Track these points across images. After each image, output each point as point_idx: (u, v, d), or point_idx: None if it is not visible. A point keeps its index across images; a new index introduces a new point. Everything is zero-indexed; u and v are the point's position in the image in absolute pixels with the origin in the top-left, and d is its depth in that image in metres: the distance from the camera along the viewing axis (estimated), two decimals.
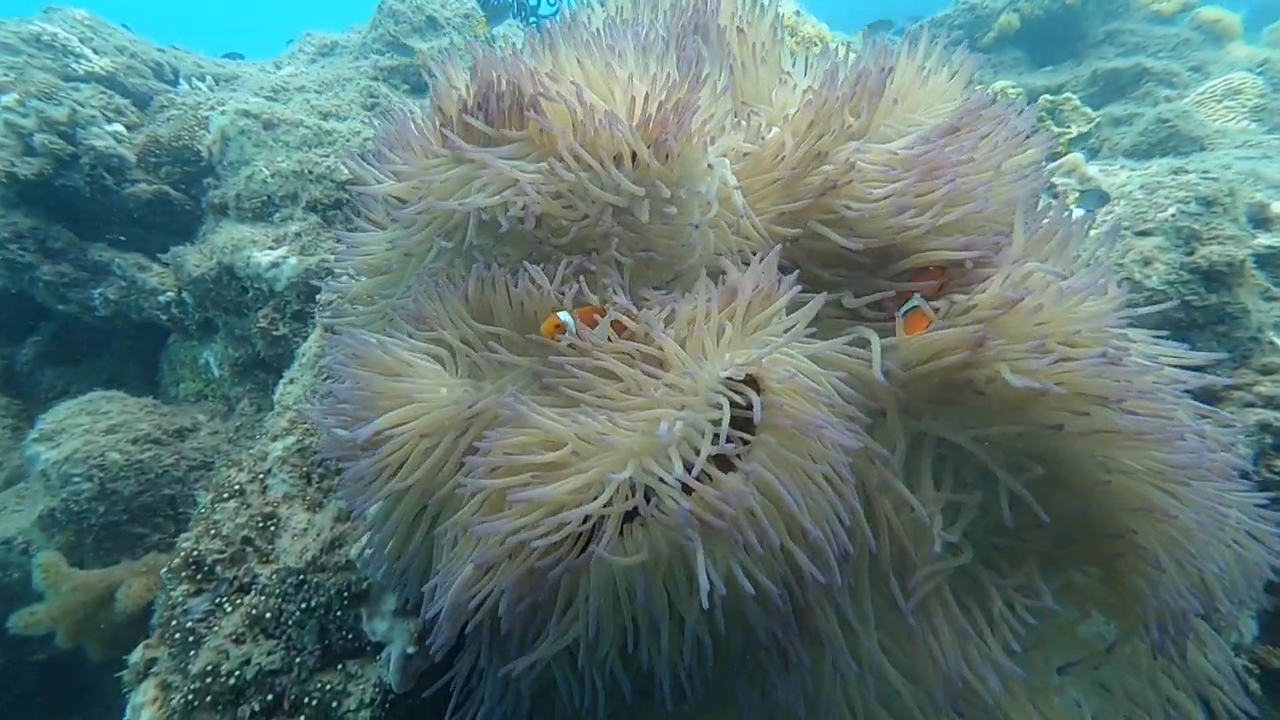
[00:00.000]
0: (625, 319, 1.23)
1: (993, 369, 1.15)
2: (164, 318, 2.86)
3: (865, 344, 1.30)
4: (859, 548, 1.22)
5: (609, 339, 1.21)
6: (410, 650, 1.48)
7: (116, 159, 2.72)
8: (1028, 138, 1.39)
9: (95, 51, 3.55)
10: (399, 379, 1.32)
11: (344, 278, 1.71)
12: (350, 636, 1.54)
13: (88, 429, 2.42)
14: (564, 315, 1.22)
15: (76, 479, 2.32)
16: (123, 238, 3.01)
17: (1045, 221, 1.33)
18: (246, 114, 2.95)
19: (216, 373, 2.93)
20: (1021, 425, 1.18)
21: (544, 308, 1.30)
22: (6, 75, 3.17)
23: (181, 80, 3.86)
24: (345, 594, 1.55)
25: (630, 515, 1.13)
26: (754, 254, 1.37)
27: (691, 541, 1.03)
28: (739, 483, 1.05)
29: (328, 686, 1.49)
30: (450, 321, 1.35)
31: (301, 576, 1.57)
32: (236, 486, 1.77)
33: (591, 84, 1.33)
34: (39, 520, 2.31)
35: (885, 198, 1.28)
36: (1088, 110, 4.66)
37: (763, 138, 1.47)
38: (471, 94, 1.35)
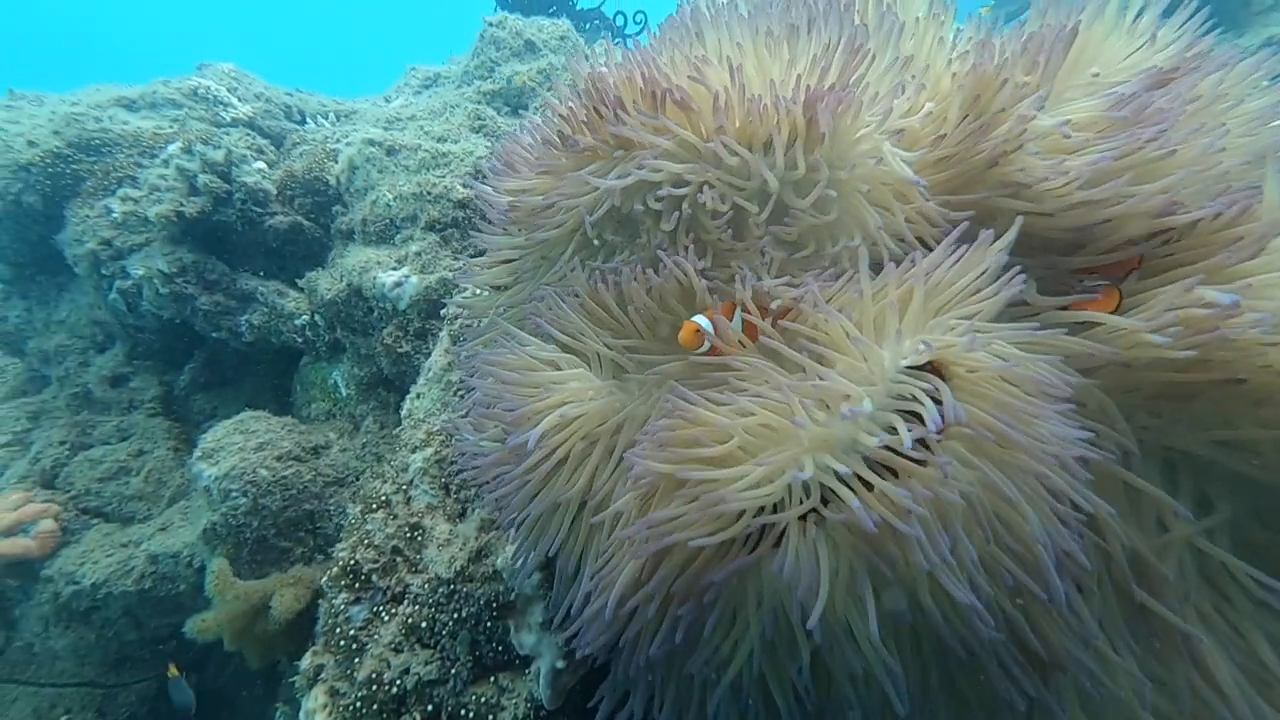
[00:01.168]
0: (779, 300, 1.14)
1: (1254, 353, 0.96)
2: (299, 340, 3.09)
3: (1065, 331, 1.14)
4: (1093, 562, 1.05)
5: (751, 335, 1.12)
6: (559, 665, 1.46)
7: (263, 193, 2.99)
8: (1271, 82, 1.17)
9: (239, 99, 3.95)
10: (546, 385, 1.31)
11: (469, 291, 1.75)
12: (499, 649, 1.54)
13: (241, 447, 2.64)
14: (700, 319, 1.12)
15: (234, 494, 2.52)
16: (262, 270, 3.30)
17: None
18: (371, 143, 3.16)
19: (344, 392, 3.13)
20: None
21: (688, 300, 1.25)
22: (171, 126, 3.60)
23: (308, 119, 4.22)
24: (493, 605, 1.56)
25: (805, 517, 1.05)
26: (923, 242, 1.26)
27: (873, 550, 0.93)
28: (935, 478, 0.94)
29: (482, 699, 1.50)
30: (586, 325, 1.33)
31: (452, 587, 1.60)
32: (383, 498, 1.84)
33: (741, 67, 1.28)
34: (204, 534, 2.52)
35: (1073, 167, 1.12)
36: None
37: (925, 111, 1.37)
38: (598, 94, 1.32)
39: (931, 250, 1.11)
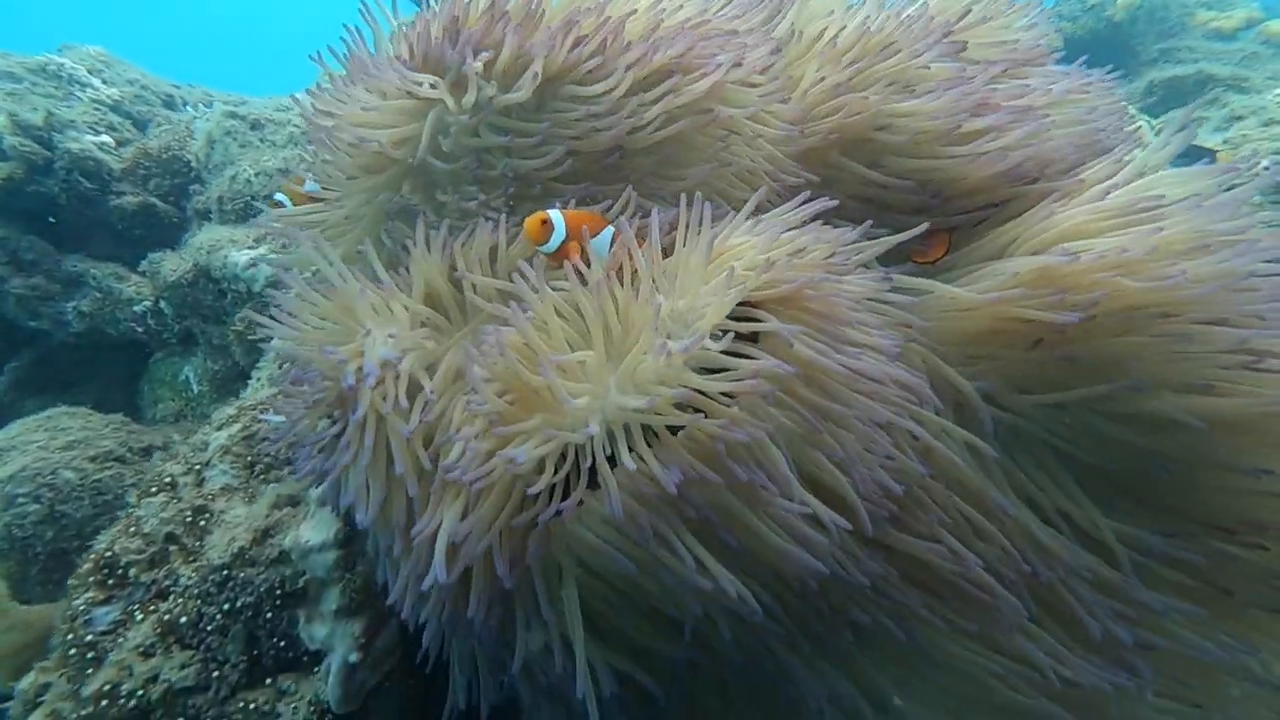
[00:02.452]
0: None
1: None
2: (140, 330, 2.75)
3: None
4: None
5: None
6: (353, 658, 1.20)
7: (94, 162, 2.69)
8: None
9: (104, 82, 3.64)
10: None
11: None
12: (283, 645, 1.26)
13: (42, 445, 2.27)
14: (553, 212, 1.06)
15: (22, 499, 2.14)
16: (108, 255, 2.96)
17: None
18: (233, 115, 2.92)
19: (196, 389, 2.79)
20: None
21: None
22: (6, 101, 3.26)
23: (187, 107, 3.93)
24: (278, 592, 1.28)
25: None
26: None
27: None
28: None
29: (252, 707, 1.21)
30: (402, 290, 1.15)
31: (226, 573, 1.31)
32: (168, 480, 1.55)
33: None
34: None
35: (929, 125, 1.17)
36: (1146, 118, 4.40)
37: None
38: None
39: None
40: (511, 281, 1.03)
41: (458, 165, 1.20)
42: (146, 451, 2.49)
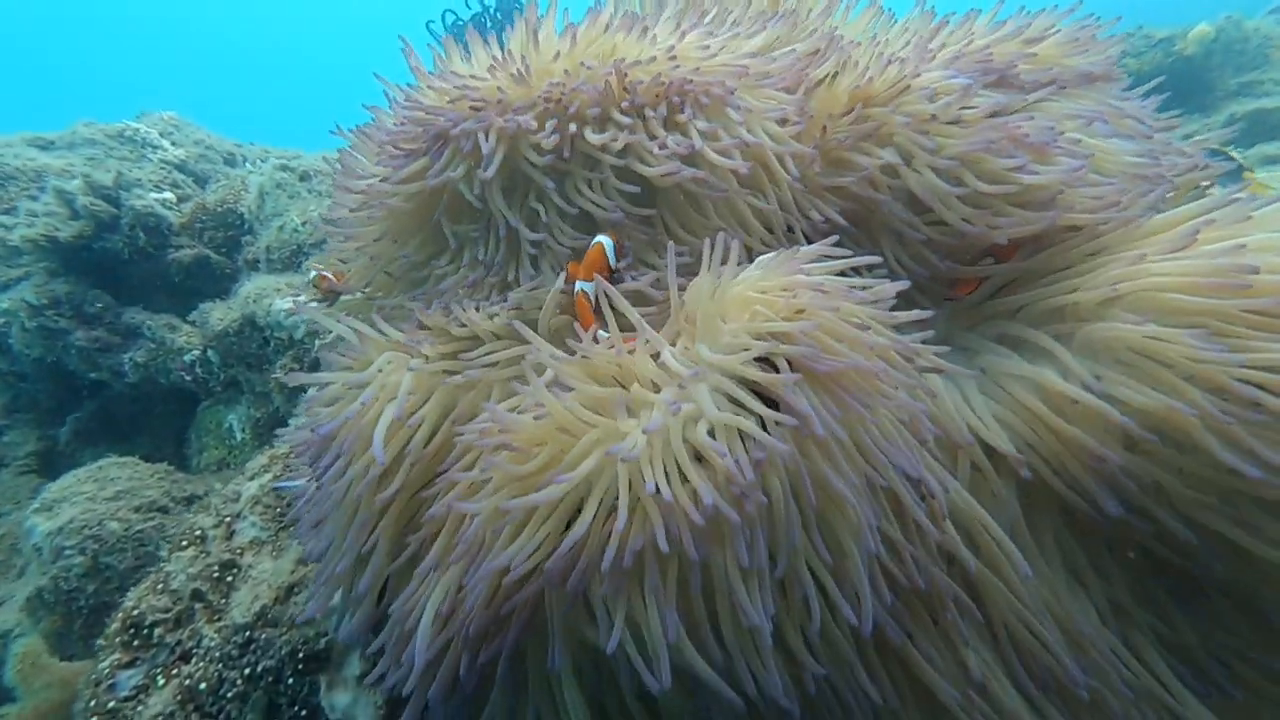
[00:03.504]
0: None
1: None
2: (189, 379, 2.82)
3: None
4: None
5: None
6: None
7: (154, 218, 2.81)
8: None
9: (173, 144, 3.88)
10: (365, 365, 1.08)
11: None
12: (304, 714, 1.19)
13: (90, 496, 2.31)
14: (604, 238, 1.07)
15: (69, 552, 2.17)
16: (166, 307, 3.08)
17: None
18: (284, 168, 3.03)
19: (239, 436, 2.82)
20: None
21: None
22: (86, 164, 3.49)
23: (246, 163, 4.14)
24: (300, 655, 1.21)
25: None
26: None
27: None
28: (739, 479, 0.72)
29: None
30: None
31: (249, 634, 1.25)
32: (199, 532, 1.52)
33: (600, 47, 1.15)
34: (27, 603, 2.15)
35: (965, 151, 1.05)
36: (1230, 151, 4.17)
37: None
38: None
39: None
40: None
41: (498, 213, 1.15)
42: (189, 501, 2.51)
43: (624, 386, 0.89)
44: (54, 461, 3.29)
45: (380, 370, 1.08)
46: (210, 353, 2.80)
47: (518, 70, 1.12)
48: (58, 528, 2.20)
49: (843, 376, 0.84)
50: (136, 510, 2.34)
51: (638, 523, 0.78)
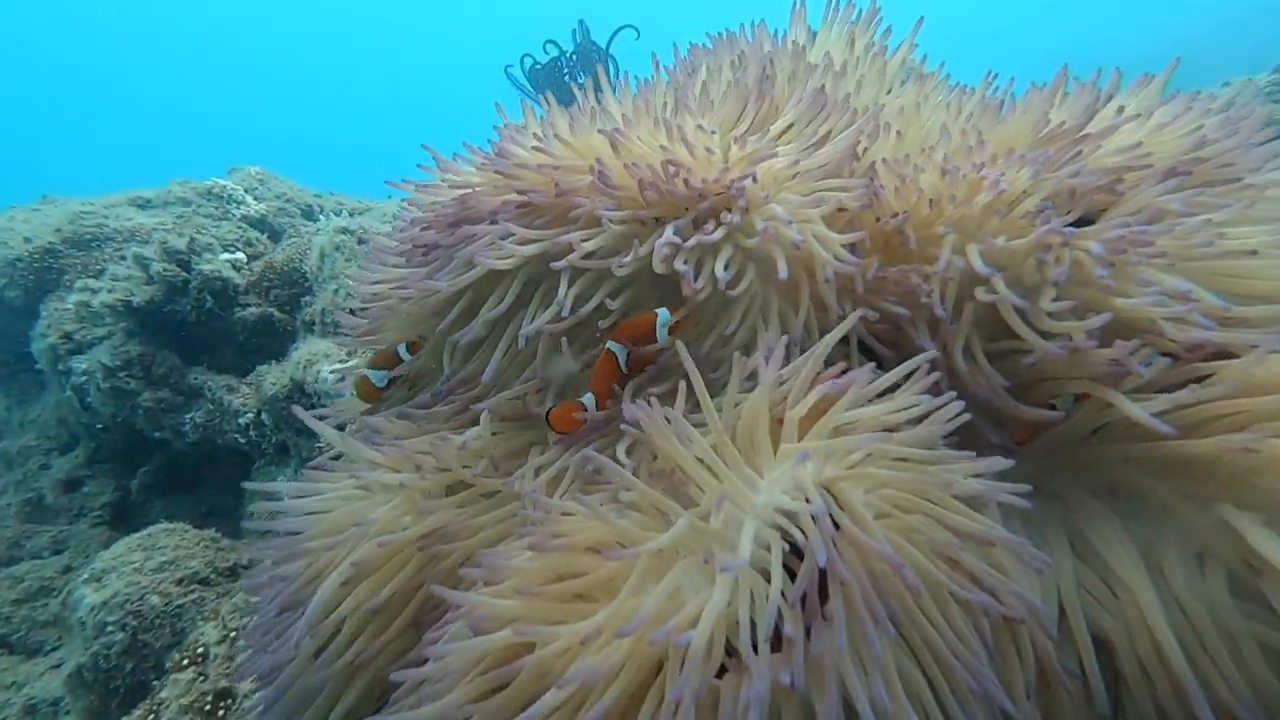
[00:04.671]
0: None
1: None
2: (243, 441, 2.83)
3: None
4: None
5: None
6: None
7: (221, 281, 2.87)
8: None
9: (255, 199, 4.06)
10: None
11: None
12: None
13: (137, 568, 2.30)
14: (588, 399, 0.97)
15: (110, 628, 2.16)
16: (231, 365, 3.15)
17: None
18: (345, 230, 3.05)
19: None
20: None
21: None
22: (175, 222, 3.68)
23: (320, 216, 4.28)
24: None
25: None
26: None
27: None
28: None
29: None
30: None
31: None
32: (201, 649, 1.41)
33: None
34: (68, 680, 2.14)
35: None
36: None
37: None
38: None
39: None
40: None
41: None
42: (232, 571, 2.48)
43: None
44: (127, 511, 3.41)
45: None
46: (264, 415, 2.81)
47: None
48: (102, 601, 2.20)
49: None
50: (178, 583, 2.31)
51: None
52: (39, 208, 3.95)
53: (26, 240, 3.38)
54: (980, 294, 0.87)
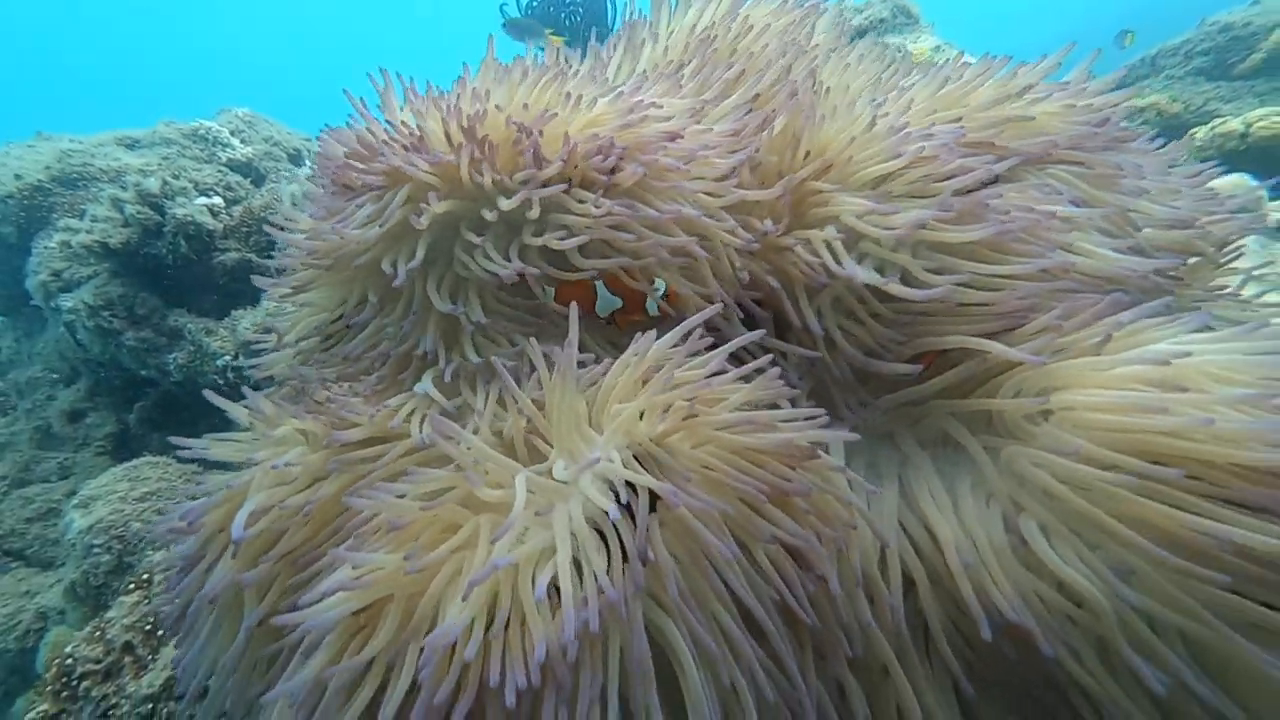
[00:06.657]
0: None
1: None
2: (222, 383, 3.00)
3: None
4: None
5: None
6: None
7: (194, 226, 2.97)
8: None
9: (242, 141, 4.12)
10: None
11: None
12: None
13: (122, 496, 2.52)
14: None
15: (97, 550, 2.39)
16: (213, 309, 3.30)
17: None
18: (313, 177, 3.11)
19: None
20: None
21: None
22: (161, 164, 3.77)
23: (307, 162, 4.33)
24: None
25: None
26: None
27: None
28: None
29: None
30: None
31: (151, 706, 1.30)
32: (146, 576, 1.60)
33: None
34: (65, 593, 2.40)
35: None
36: None
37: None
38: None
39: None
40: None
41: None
42: None
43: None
44: (127, 443, 3.65)
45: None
46: (241, 357, 2.97)
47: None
48: (89, 525, 2.43)
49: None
50: (159, 513, 2.53)
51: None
52: (33, 144, 4.06)
53: (17, 177, 3.50)
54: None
